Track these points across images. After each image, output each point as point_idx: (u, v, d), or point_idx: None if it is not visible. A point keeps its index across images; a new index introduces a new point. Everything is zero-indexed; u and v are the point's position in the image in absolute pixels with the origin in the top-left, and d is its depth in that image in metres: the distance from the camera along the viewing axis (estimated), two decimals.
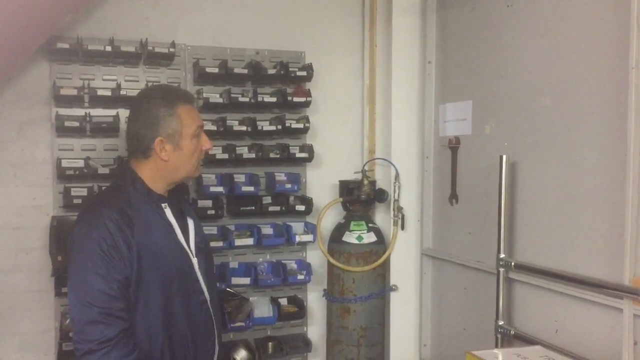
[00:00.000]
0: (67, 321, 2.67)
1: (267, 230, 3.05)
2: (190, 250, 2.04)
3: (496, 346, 2.29)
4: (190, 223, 2.10)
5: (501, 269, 2.28)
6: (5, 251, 2.70)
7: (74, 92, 2.64)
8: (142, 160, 1.97)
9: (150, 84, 2.80)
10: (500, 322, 2.28)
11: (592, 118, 1.98)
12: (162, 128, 1.93)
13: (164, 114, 1.94)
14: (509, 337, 2.26)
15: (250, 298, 3.02)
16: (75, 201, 2.65)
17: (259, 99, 2.92)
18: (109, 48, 2.66)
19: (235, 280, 2.91)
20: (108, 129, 2.73)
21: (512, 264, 2.24)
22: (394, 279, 2.95)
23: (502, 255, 2.27)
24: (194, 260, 2.04)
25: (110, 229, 1.81)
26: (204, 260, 2.09)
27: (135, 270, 1.85)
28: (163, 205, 2.00)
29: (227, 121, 2.89)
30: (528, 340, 2.18)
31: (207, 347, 2.07)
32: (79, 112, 2.72)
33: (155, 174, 1.97)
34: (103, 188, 2.36)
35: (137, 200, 1.93)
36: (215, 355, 2.12)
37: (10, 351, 2.72)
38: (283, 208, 2.99)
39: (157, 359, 1.92)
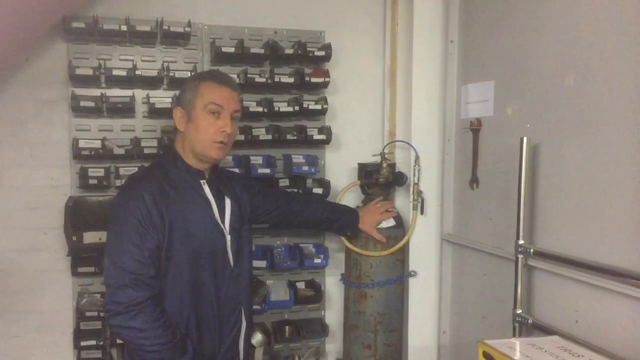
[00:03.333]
0: (84, 301, 2.71)
1: None
2: (225, 228, 2.12)
3: (514, 335, 2.21)
4: (227, 202, 2.18)
5: (520, 256, 2.19)
6: (23, 231, 2.73)
7: (90, 72, 2.63)
8: (176, 135, 2.15)
9: (167, 64, 2.78)
10: (518, 311, 2.20)
11: (617, 99, 1.86)
12: (183, 99, 2.09)
13: (188, 86, 2.09)
14: (527, 326, 2.18)
15: (267, 281, 3.01)
16: (92, 182, 2.66)
17: (276, 79, 2.86)
18: (124, 27, 2.64)
19: (252, 263, 2.86)
20: (124, 110, 2.72)
21: (531, 250, 2.15)
22: (412, 265, 2.88)
23: (521, 242, 2.18)
24: (228, 238, 2.13)
25: (146, 200, 1.94)
26: (237, 240, 2.18)
27: (166, 242, 1.98)
28: (202, 181, 2.11)
29: (244, 102, 2.85)
30: (546, 330, 2.09)
31: (232, 321, 2.17)
32: (96, 92, 2.72)
33: (184, 148, 2.10)
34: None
35: (176, 176, 2.06)
36: (243, 331, 2.22)
37: (28, 330, 2.76)
38: (300, 191, 2.94)
39: (183, 327, 2.03)
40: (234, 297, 2.17)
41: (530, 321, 2.15)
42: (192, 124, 2.06)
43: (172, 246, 2.00)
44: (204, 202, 2.11)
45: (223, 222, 2.15)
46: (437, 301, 2.91)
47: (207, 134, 2.06)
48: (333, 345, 3.21)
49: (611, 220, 1.90)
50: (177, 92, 2.19)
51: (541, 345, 1.82)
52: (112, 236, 1.98)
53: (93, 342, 2.68)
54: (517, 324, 2.20)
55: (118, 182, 2.67)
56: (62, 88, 2.72)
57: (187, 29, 2.75)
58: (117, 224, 1.98)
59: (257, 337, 2.87)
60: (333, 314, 3.19)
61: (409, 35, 2.87)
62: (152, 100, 2.74)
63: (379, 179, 2.87)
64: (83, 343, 2.68)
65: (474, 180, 2.65)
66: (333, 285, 3.18)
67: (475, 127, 2.61)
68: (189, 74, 2.66)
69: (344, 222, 2.72)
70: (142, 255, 1.93)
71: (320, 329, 3.08)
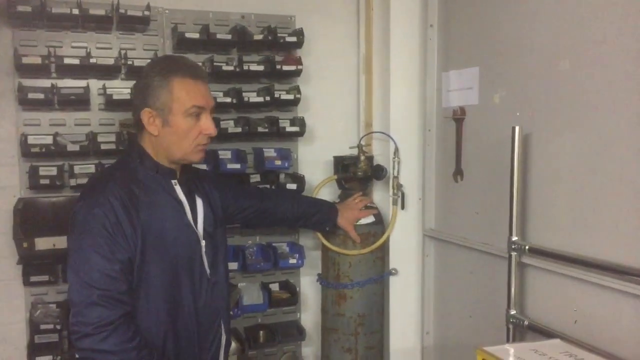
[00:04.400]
0: (38, 312, 2.47)
1: None
2: (199, 233, 1.91)
3: (507, 338, 2.08)
4: (199, 204, 1.96)
5: (513, 253, 2.06)
6: None
7: (38, 60, 2.38)
8: (140, 132, 1.87)
9: (124, 51, 2.55)
10: (512, 312, 2.07)
11: (617, 84, 1.73)
12: (151, 99, 1.80)
13: (155, 84, 1.80)
14: (521, 328, 2.05)
15: (239, 284, 2.84)
16: (43, 181, 2.42)
17: (245, 67, 2.67)
18: (75, 11, 2.40)
19: None
20: (77, 102, 2.49)
21: (526, 247, 2.01)
22: (393, 262, 2.74)
23: (514, 238, 2.04)
24: (202, 244, 1.92)
25: (115, 207, 1.72)
26: (213, 245, 1.97)
27: (139, 252, 1.76)
28: (173, 181, 1.89)
29: (210, 92, 2.64)
30: (543, 332, 1.96)
31: (212, 334, 1.98)
32: (45, 83, 2.47)
33: (154, 148, 1.86)
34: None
35: (145, 177, 1.83)
36: (223, 344, 2.03)
37: None
38: (272, 186, 2.75)
39: (159, 345, 1.82)
40: (213, 308, 1.97)
41: (525, 322, 2.02)
42: (169, 129, 1.81)
43: (146, 256, 1.77)
44: (176, 204, 1.88)
45: (196, 226, 1.94)
46: (420, 300, 2.79)
47: (189, 139, 1.83)
48: (310, 349, 3.05)
49: (610, 214, 1.77)
50: (139, 85, 1.86)
51: (544, 351, 1.69)
52: (76, 247, 1.73)
53: (49, 357, 2.45)
54: (511, 326, 2.07)
55: (73, 182, 2.45)
56: (8, 79, 2.46)
57: (146, 13, 2.53)
58: (81, 233, 1.72)
59: (231, 345, 2.70)
60: (310, 316, 3.04)
61: (386, 20, 2.72)
62: (109, 91, 2.51)
63: (357, 173, 2.71)
64: (38, 358, 2.44)
65: (458, 173, 2.51)
66: (309, 286, 3.02)
67: (459, 117, 2.47)
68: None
69: (321, 216, 2.54)
70: (112, 269, 1.70)
71: (296, 332, 2.92)
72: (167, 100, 1.79)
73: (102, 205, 1.71)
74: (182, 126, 1.81)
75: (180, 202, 1.89)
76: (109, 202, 1.72)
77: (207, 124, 1.84)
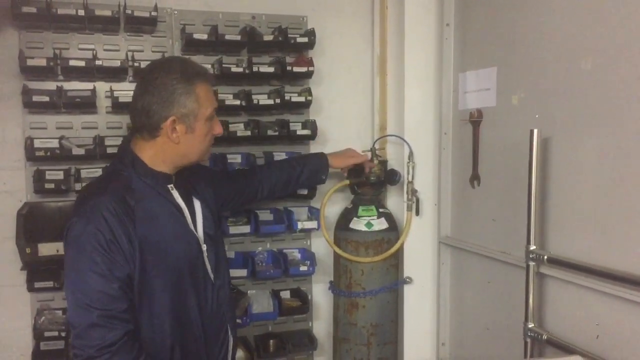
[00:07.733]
0: (42, 319, 2.43)
1: (266, 216, 2.74)
2: (199, 237, 1.85)
3: (525, 353, 1.98)
4: (197, 206, 1.91)
5: (531, 263, 1.95)
6: None
7: (43, 62, 2.34)
8: (147, 139, 1.78)
9: (131, 53, 2.50)
10: (530, 325, 1.96)
11: None
12: (177, 107, 1.75)
13: (181, 91, 1.75)
14: (540, 343, 1.94)
15: (248, 291, 2.77)
16: (48, 186, 2.38)
17: (255, 69, 2.60)
18: (81, 12, 2.35)
19: (231, 272, 2.54)
20: (84, 104, 2.44)
21: (545, 257, 1.90)
22: (408, 271, 2.64)
23: (532, 247, 1.94)
24: (204, 248, 1.86)
25: (109, 221, 1.65)
26: (214, 248, 1.91)
27: (138, 266, 1.69)
28: (169, 186, 1.82)
29: (219, 95, 2.59)
30: (563, 347, 1.86)
31: (220, 341, 1.94)
32: (51, 85, 2.43)
33: (159, 156, 1.80)
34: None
35: (139, 185, 1.76)
36: (230, 348, 2.00)
37: None
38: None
39: (166, 358, 1.77)
40: (219, 314, 1.92)
41: (544, 337, 1.91)
42: (191, 135, 1.79)
43: (147, 271, 1.71)
44: (175, 210, 1.82)
45: (196, 229, 1.88)
46: (435, 310, 2.68)
47: (206, 142, 1.86)
48: (322, 359, 2.95)
49: (635, 223, 1.67)
50: (155, 92, 1.74)
51: None
52: (72, 268, 1.67)
53: None
54: (529, 340, 1.97)
55: (79, 186, 2.40)
56: (15, 81, 2.43)
57: (154, 14, 2.48)
58: (76, 252, 1.66)
59: (239, 354, 2.64)
60: (321, 325, 2.95)
61: (400, 19, 2.63)
62: (116, 93, 2.46)
63: (370, 178, 2.63)
64: None
65: (475, 178, 2.40)
66: (321, 294, 2.93)
67: (476, 119, 2.38)
68: None
69: (312, 167, 2.46)
70: (111, 287, 1.63)
71: (307, 341, 2.84)
72: (194, 107, 1.76)
73: (94, 220, 1.64)
74: (203, 130, 1.81)
75: (179, 208, 1.83)
76: (103, 217, 1.64)
77: (218, 126, 1.88)
